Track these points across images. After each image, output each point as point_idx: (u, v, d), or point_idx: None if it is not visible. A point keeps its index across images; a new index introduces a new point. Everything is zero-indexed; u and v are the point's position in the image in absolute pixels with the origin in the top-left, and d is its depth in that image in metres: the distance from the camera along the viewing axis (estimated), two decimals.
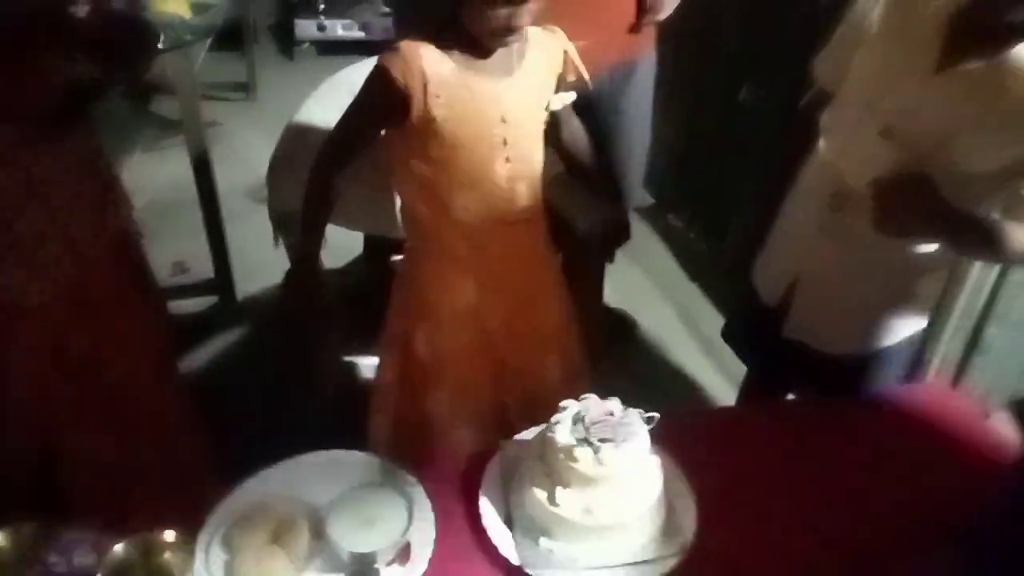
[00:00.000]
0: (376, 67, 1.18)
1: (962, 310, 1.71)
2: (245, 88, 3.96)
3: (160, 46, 1.96)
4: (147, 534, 0.89)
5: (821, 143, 1.35)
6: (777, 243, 1.50)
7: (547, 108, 1.30)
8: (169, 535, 0.89)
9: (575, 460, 0.98)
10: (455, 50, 1.17)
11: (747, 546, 1.06)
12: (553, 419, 1.03)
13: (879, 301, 1.39)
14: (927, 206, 1.13)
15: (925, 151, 1.17)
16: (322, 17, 4.44)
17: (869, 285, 1.36)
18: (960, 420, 1.36)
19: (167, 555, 0.88)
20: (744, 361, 1.75)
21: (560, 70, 1.30)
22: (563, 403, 1.04)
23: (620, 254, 1.85)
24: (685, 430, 1.21)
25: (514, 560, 0.99)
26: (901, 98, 1.17)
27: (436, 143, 1.20)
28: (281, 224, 1.50)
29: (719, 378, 2.23)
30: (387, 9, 4.40)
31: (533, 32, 1.24)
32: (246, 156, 3.16)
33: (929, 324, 1.56)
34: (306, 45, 4.53)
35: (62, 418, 1.19)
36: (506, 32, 1.14)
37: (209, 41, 2.21)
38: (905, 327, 1.44)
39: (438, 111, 1.17)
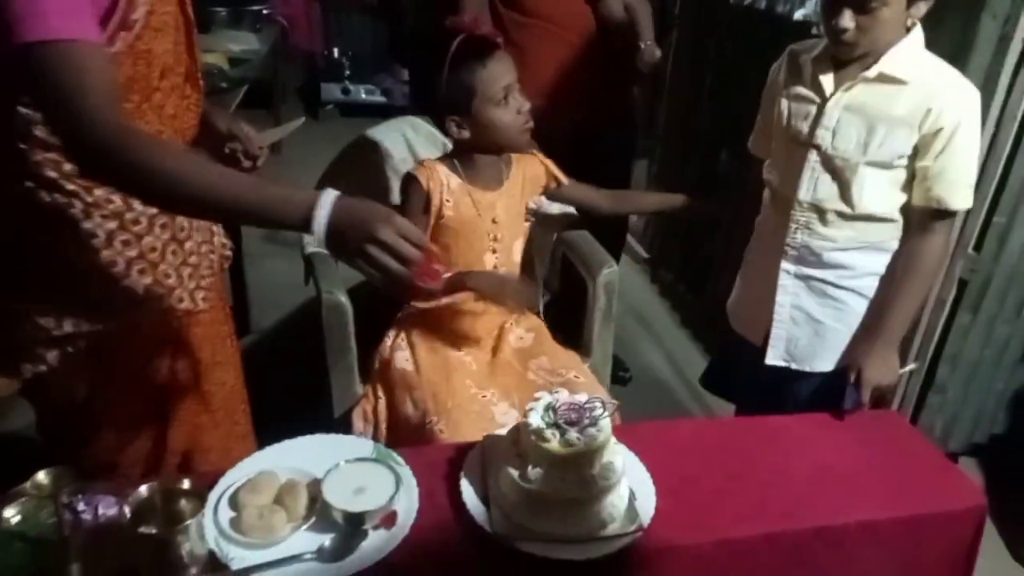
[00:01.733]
0: (408, 174, 1.53)
1: (916, 350, 1.85)
2: (272, 145, 4.22)
3: None
4: (167, 480, 1.03)
5: (766, 195, 1.61)
6: (746, 285, 1.68)
7: (527, 208, 1.65)
8: (185, 483, 1.02)
9: (545, 440, 1.11)
10: (460, 167, 1.54)
11: (698, 535, 1.17)
12: (528, 406, 1.16)
13: (840, 317, 1.56)
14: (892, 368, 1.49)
15: (847, 154, 1.43)
16: (347, 82, 4.75)
17: (828, 302, 1.55)
18: (920, 451, 1.45)
19: (183, 502, 1.01)
20: (729, 399, 1.89)
21: (544, 180, 1.64)
22: (537, 394, 1.18)
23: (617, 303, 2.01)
24: (653, 435, 1.35)
25: (488, 529, 1.11)
26: (817, 122, 1.45)
27: (442, 233, 1.52)
28: (310, 264, 1.67)
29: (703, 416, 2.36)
30: (406, 78, 4.72)
31: (516, 156, 1.60)
32: None
33: None
34: (330, 107, 4.84)
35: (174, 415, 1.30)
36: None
37: (243, 91, 2.45)
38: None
39: (447, 211, 1.50)
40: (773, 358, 1.61)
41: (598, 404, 1.14)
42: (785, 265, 1.55)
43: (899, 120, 1.40)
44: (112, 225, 1.12)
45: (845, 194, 1.45)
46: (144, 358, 1.23)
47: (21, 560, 1.01)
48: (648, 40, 2.11)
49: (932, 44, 1.39)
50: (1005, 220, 1.62)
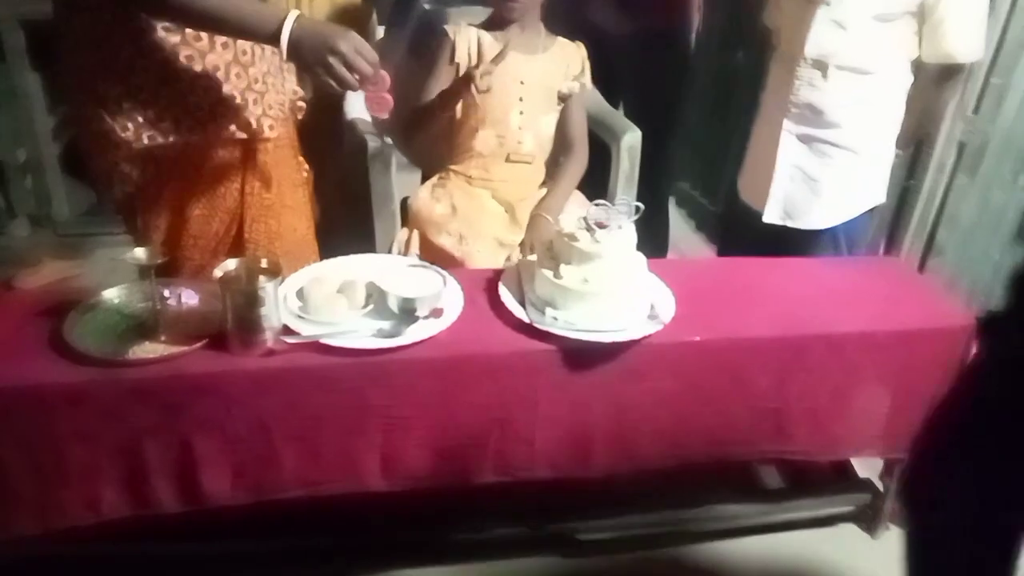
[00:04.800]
0: (441, 29, 1.67)
1: (919, 216, 1.96)
2: None
3: None
4: (251, 257, 1.17)
5: (772, 63, 1.73)
6: (753, 154, 1.80)
7: (559, 91, 1.73)
8: (264, 262, 1.16)
9: (576, 240, 1.24)
10: (496, 30, 1.66)
11: (712, 333, 1.31)
12: (561, 215, 1.30)
13: (835, 175, 1.67)
14: None
15: (855, 8, 1.54)
16: None
17: (826, 160, 1.67)
18: (918, 283, 1.57)
19: (261, 278, 1.15)
20: None
21: (578, 71, 1.74)
22: (569, 207, 1.32)
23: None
24: (674, 265, 1.47)
25: (525, 319, 1.25)
26: None
27: (471, 90, 1.58)
28: (353, 126, 1.78)
29: None
30: None
31: (560, 41, 1.73)
32: None
33: (890, 230, 1.82)
34: None
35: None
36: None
37: None
38: (862, 203, 1.72)
39: (474, 60, 1.62)
40: (771, 216, 1.73)
41: (624, 208, 1.27)
42: (787, 125, 1.66)
43: None
44: (175, 39, 1.23)
45: (849, 49, 1.56)
46: (215, 178, 1.34)
47: (120, 325, 1.18)
48: None
49: None
50: (1002, 81, 1.72)
